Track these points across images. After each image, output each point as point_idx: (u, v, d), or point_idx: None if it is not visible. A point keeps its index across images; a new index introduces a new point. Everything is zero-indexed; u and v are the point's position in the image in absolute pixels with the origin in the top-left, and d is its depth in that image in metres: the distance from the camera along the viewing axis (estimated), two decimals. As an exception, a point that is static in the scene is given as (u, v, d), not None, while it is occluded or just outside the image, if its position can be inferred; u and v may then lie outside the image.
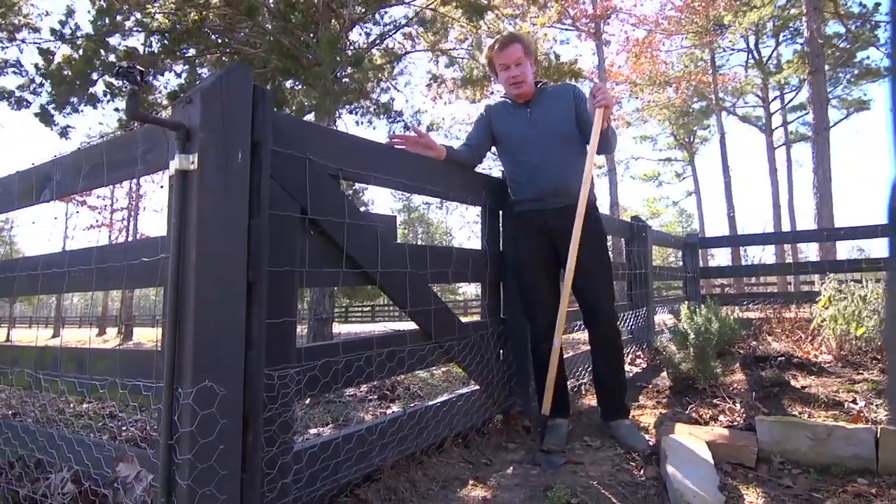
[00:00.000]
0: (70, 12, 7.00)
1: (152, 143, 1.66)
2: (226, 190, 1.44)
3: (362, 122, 9.36)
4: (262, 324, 1.51)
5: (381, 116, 9.37)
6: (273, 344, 1.57)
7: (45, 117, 7.04)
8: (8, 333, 24.29)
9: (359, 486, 1.89)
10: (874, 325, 3.74)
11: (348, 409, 3.16)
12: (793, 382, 3.08)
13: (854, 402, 2.71)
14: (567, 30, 18.03)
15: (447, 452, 2.26)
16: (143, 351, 1.73)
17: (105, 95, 7.11)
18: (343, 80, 7.01)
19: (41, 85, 6.95)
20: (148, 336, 19.59)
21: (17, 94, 7.11)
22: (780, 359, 3.49)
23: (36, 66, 6.92)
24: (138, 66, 1.35)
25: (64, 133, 7.34)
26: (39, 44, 6.87)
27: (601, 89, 2.36)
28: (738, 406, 2.72)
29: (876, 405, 2.64)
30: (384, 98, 9.39)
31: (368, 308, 26.60)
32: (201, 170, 1.41)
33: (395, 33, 8.77)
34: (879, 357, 3.55)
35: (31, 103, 7.06)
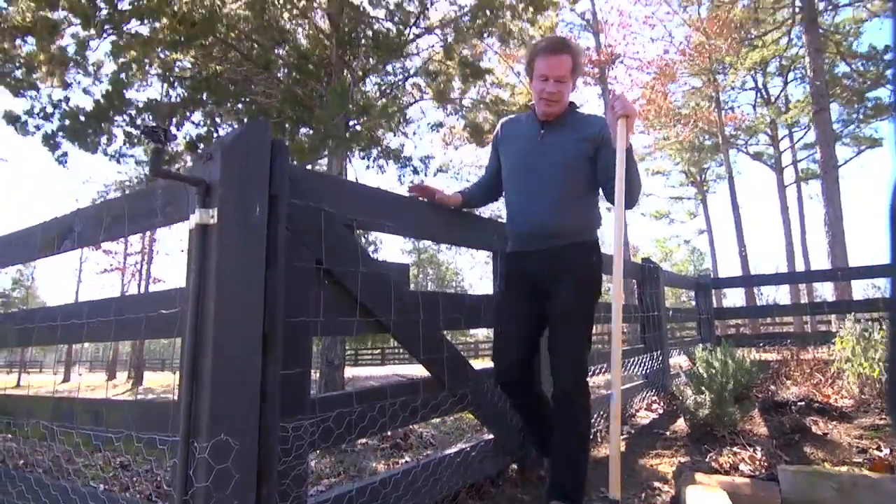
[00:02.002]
0: (99, 65, 7.32)
1: (172, 196, 1.71)
2: (244, 243, 1.47)
3: (372, 167, 9.54)
4: (277, 376, 1.52)
5: (390, 161, 9.55)
6: (287, 395, 1.57)
7: (50, 143, 7.11)
8: (18, 378, 24.32)
9: (373, 541, 1.85)
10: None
11: (360, 459, 3.12)
12: (814, 428, 3.01)
13: (878, 448, 2.64)
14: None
15: (462, 504, 2.22)
16: (158, 403, 1.74)
17: (124, 144, 7.32)
18: (354, 128, 7.18)
19: (51, 114, 7.08)
20: (157, 381, 19.53)
21: (24, 118, 7.24)
22: (799, 403, 3.42)
23: (53, 103, 7.10)
24: (163, 126, 1.40)
25: (62, 160, 7.39)
26: (66, 94, 7.15)
27: (619, 98, 2.07)
28: (758, 454, 2.65)
29: (902, 452, 2.56)
30: (394, 144, 9.60)
31: (378, 351, 26.41)
32: (221, 224, 1.44)
33: (403, 83, 9.01)
34: (902, 401, 3.46)
35: (39, 129, 7.18)
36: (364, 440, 3.62)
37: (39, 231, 2.27)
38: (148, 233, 23.44)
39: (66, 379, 26.61)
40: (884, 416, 3.20)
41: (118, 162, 7.48)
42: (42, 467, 3.06)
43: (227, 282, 1.42)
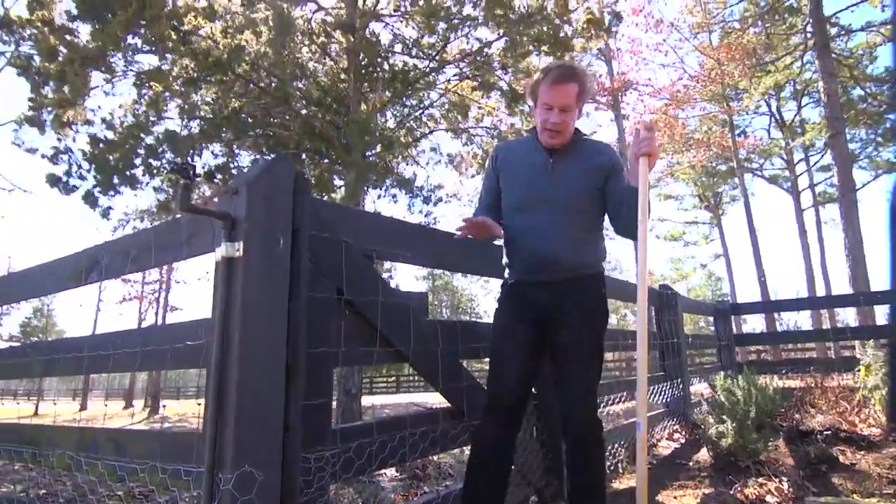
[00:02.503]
0: (121, 105, 7.62)
1: (197, 229, 1.75)
2: (268, 275, 1.50)
3: (384, 196, 9.68)
4: (300, 407, 1.53)
5: (402, 190, 9.67)
6: (309, 426, 1.58)
7: (89, 200, 7.49)
8: (36, 407, 24.50)
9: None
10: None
11: (379, 491, 3.09)
12: (841, 458, 2.94)
13: (910, 480, 2.57)
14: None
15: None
16: (183, 433, 1.76)
17: (144, 175, 7.53)
18: (370, 159, 7.30)
19: (88, 171, 7.41)
20: (173, 409, 19.56)
21: (65, 179, 7.59)
22: (826, 432, 3.34)
23: (83, 152, 7.42)
24: (191, 163, 1.45)
25: (105, 214, 7.77)
26: (91, 133, 7.43)
27: (647, 138, 1.93)
28: (785, 485, 2.59)
29: (934, 484, 2.49)
30: (407, 174, 9.73)
31: (393, 379, 26.28)
32: (246, 257, 1.48)
33: (420, 114, 9.17)
34: (933, 430, 3.38)
35: (77, 188, 7.52)
36: (383, 471, 3.59)
37: (68, 263, 2.32)
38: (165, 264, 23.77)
39: (84, 407, 26.75)
40: (914, 446, 3.12)
41: (135, 190, 7.73)
42: (64, 497, 3.08)
43: (252, 313, 1.45)
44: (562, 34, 7.48)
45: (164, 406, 20.96)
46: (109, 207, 7.68)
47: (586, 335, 2.02)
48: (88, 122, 7.50)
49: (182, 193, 1.48)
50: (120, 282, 23.18)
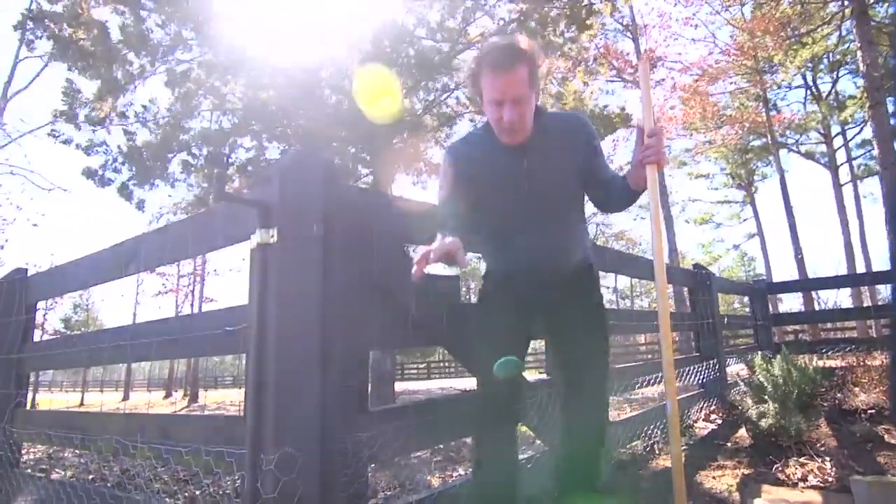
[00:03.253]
0: (152, 100, 7.80)
1: (231, 218, 1.78)
2: (302, 261, 1.52)
3: (418, 183, 9.70)
4: (337, 389, 1.56)
5: (432, 176, 9.67)
6: (347, 408, 1.61)
7: (124, 192, 7.70)
8: (82, 398, 25.44)
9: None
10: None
11: (415, 473, 3.13)
12: (887, 437, 2.86)
13: (961, 459, 2.49)
14: (612, 80, 18.25)
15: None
16: (225, 417, 1.80)
17: (182, 172, 7.70)
18: (398, 145, 7.32)
19: (123, 163, 7.62)
20: (211, 398, 20.09)
21: (101, 172, 7.81)
22: (870, 411, 3.26)
23: (119, 147, 7.63)
24: (224, 152, 1.47)
25: (140, 206, 7.99)
26: (125, 126, 7.63)
27: (654, 145, 1.69)
28: (828, 465, 2.54)
29: None
30: (436, 159, 9.73)
31: (424, 365, 26.51)
32: (280, 243, 1.50)
33: (445, 98, 9.14)
34: (984, 408, 3.26)
35: (113, 181, 7.74)
36: (419, 454, 3.64)
37: (108, 256, 2.39)
38: (199, 256, 24.30)
39: (126, 397, 27.67)
40: (964, 425, 3.02)
41: (172, 186, 7.92)
42: (111, 481, 3.20)
43: (288, 298, 1.47)
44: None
45: (206, 393, 21.55)
46: (143, 200, 7.88)
47: (597, 332, 1.92)
48: (123, 116, 7.67)
49: (217, 183, 1.51)
50: (156, 276, 23.83)
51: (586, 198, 1.96)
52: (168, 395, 26.05)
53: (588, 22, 7.58)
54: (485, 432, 1.83)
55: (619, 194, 1.81)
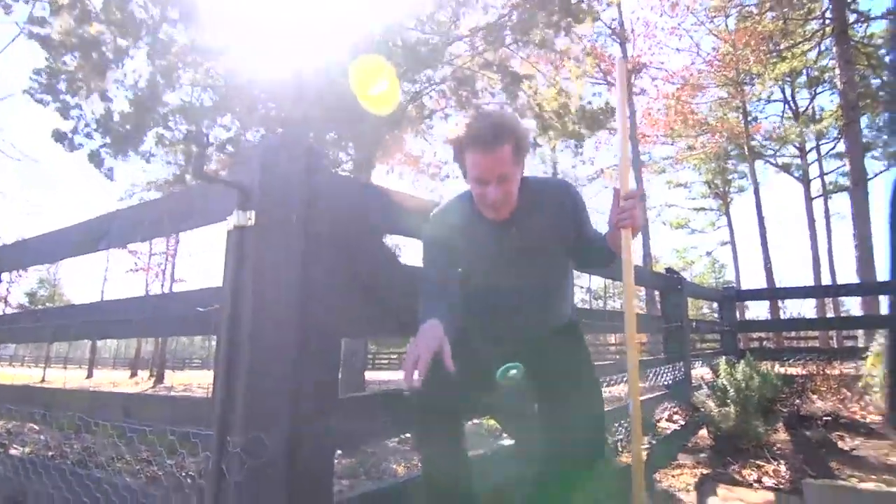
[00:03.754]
0: (134, 70, 7.63)
1: (208, 198, 1.76)
2: (280, 245, 1.52)
3: (391, 173, 9.68)
4: (309, 376, 1.56)
5: (408, 167, 9.66)
6: (317, 396, 1.61)
7: (95, 159, 7.48)
8: (44, 374, 24.87)
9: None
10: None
11: (381, 461, 3.15)
12: (840, 444, 2.97)
13: (908, 467, 2.60)
14: (598, 83, 18.42)
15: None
16: (192, 399, 1.79)
17: (157, 146, 7.52)
18: (382, 135, 7.29)
19: (96, 130, 7.41)
20: (178, 380, 19.82)
21: (71, 136, 7.59)
22: (826, 418, 3.38)
23: (93, 114, 7.41)
24: (205, 131, 1.46)
25: (110, 175, 7.78)
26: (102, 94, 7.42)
27: (628, 208, 1.64)
28: (783, 468, 2.63)
29: (932, 472, 2.52)
30: (415, 151, 9.72)
31: (396, 356, 26.51)
32: (258, 226, 1.49)
33: (430, 91, 9.12)
34: (933, 420, 3.40)
35: (83, 146, 7.51)
36: (387, 442, 3.65)
37: (80, 230, 2.34)
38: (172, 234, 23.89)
39: (90, 375, 27.14)
40: (913, 435, 3.15)
41: (147, 161, 7.73)
42: (70, 458, 3.15)
43: (263, 283, 1.46)
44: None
45: (173, 374, 21.25)
46: (112, 168, 7.69)
47: (583, 368, 1.86)
48: (103, 93, 7.48)
49: (196, 161, 1.49)
50: (126, 253, 23.37)
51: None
52: (134, 375, 25.63)
53: (580, 16, 7.61)
54: (426, 431, 1.75)
55: (598, 255, 1.79)
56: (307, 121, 7.74)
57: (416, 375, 1.44)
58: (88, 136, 7.51)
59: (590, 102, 10.01)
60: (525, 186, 1.73)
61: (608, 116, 9.48)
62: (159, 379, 20.24)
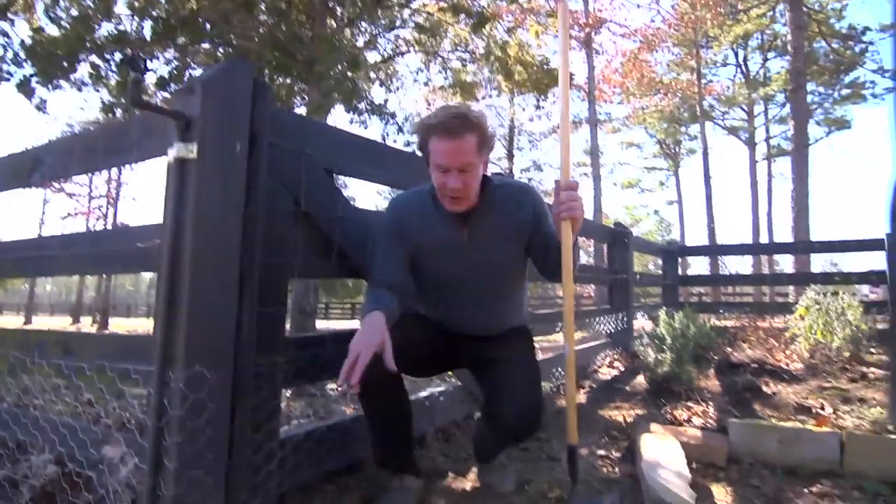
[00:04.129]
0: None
1: (149, 130, 1.68)
2: (223, 180, 1.47)
3: (356, 122, 9.38)
4: (253, 312, 1.54)
5: (374, 115, 9.40)
6: (263, 333, 1.60)
7: (25, 89, 6.99)
8: (-22, 319, 23.79)
9: (341, 475, 1.92)
10: (846, 336, 3.87)
11: (330, 403, 3.19)
12: (764, 388, 3.18)
13: (822, 408, 2.81)
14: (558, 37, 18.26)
15: (429, 447, 2.31)
16: (133, 336, 1.75)
17: (90, 78, 7.05)
18: (336, 78, 7.03)
19: (25, 59, 6.89)
20: (123, 326, 19.33)
21: (3, 66, 7.06)
22: (753, 365, 3.59)
23: (22, 42, 6.88)
24: (142, 55, 1.37)
25: (42, 107, 7.31)
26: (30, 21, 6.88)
27: (568, 198, 1.62)
28: (711, 409, 2.80)
29: (842, 411, 2.74)
30: (378, 98, 9.45)
31: (349, 306, 26.54)
32: (200, 159, 1.43)
33: (388, 34, 8.82)
34: (849, 367, 3.67)
35: (12, 75, 7.01)
36: (335, 385, 3.69)
37: (9, 162, 2.20)
38: (114, 177, 22.80)
39: (28, 322, 26.13)
40: (829, 380, 3.39)
41: (79, 90, 7.26)
42: (7, 400, 3.05)
43: (205, 217, 1.42)
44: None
45: (118, 321, 20.67)
46: (45, 100, 7.22)
47: (523, 347, 1.92)
48: (30, 8, 6.90)
49: (132, 87, 1.41)
50: (65, 196, 22.25)
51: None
52: (76, 321, 24.83)
53: None
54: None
55: (555, 257, 1.72)
56: (258, 58, 7.39)
57: (354, 377, 1.42)
58: (18, 63, 6.96)
59: (550, 61, 9.95)
60: (486, 186, 1.77)
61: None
62: (103, 325, 19.71)
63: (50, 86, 6.85)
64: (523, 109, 20.61)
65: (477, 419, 2.14)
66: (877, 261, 5.65)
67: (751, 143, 24.33)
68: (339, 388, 1.46)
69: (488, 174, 1.81)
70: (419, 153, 1.78)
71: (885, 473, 2.05)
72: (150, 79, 7.82)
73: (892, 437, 2.32)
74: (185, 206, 1.43)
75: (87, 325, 22.29)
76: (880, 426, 2.51)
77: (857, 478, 2.06)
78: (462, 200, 1.70)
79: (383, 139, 9.79)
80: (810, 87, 19.27)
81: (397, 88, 10.31)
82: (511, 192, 1.83)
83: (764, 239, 22.79)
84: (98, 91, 7.61)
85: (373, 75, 9.43)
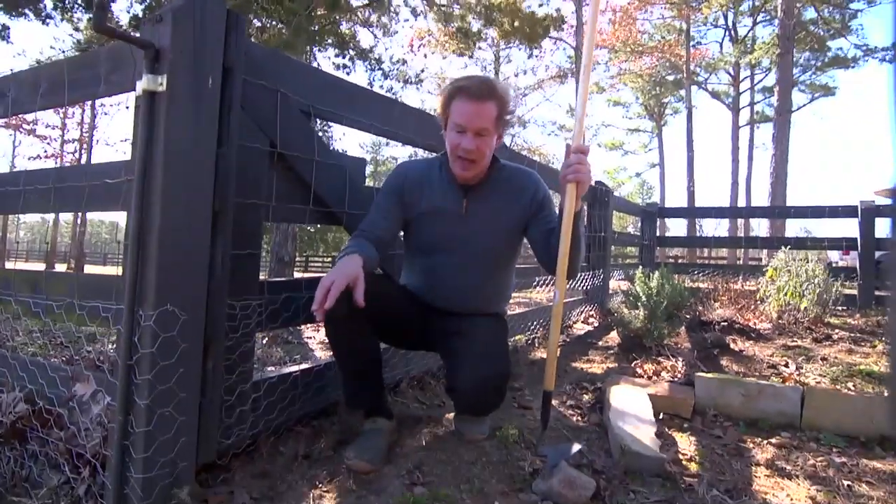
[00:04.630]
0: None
1: (118, 62, 1.61)
2: (195, 114, 1.42)
3: (342, 67, 9.07)
4: (227, 254, 1.52)
5: (360, 61, 9.11)
6: (236, 275, 1.58)
7: None
8: (-52, 264, 23.25)
9: (316, 419, 1.94)
10: (814, 298, 3.97)
11: (308, 351, 3.20)
12: (732, 346, 3.26)
13: (786, 365, 2.90)
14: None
15: (403, 394, 2.34)
16: (103, 275, 1.72)
17: (56, 10, 6.70)
18: (317, 20, 6.77)
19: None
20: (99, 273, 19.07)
21: None
22: (722, 324, 3.68)
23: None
24: (106, -23, 1.30)
25: (4, 35, 6.96)
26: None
27: (577, 161, 1.64)
28: (680, 364, 2.87)
29: (805, 369, 2.83)
30: (365, 43, 9.14)
31: (329, 259, 26.47)
32: (170, 92, 1.38)
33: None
34: (813, 327, 3.78)
35: None
36: (312, 333, 3.71)
37: (-32, 92, 2.10)
38: (87, 120, 22.07)
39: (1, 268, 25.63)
40: (795, 339, 3.50)
41: (44, 24, 6.92)
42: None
43: (176, 152, 1.37)
44: None
45: (93, 269, 20.35)
46: (8, 28, 6.88)
47: (490, 324, 1.91)
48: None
49: (97, 12, 1.33)
50: (36, 139, 21.53)
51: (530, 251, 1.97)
52: (50, 268, 24.41)
53: None
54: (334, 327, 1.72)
55: (555, 246, 1.71)
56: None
57: (327, 303, 1.46)
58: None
59: (541, 5, 9.70)
60: (495, 165, 1.88)
61: (554, 24, 9.23)
62: (78, 272, 19.41)
63: (13, 13, 6.51)
64: (509, 61, 20.23)
65: None
66: (849, 229, 5.76)
67: (735, 108, 24.34)
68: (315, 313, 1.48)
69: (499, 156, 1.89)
70: (438, 114, 1.83)
71: (841, 427, 2.14)
72: (123, 18, 7.49)
73: (850, 392, 2.41)
74: (155, 142, 1.38)
75: (62, 271, 21.95)
76: (840, 383, 2.61)
77: (815, 430, 2.15)
78: (472, 165, 1.76)
79: (370, 85, 9.58)
80: (796, 53, 19.20)
81: (384, 34, 9.96)
82: (516, 174, 1.92)
83: (742, 204, 23.11)
84: (64, 23, 7.26)
85: (355, 17, 9.08)
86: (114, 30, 1.37)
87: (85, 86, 1.75)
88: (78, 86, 1.76)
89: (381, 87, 9.48)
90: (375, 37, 9.63)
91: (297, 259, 24.83)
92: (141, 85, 1.40)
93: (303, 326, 3.83)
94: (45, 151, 21.59)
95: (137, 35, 1.44)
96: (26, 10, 6.52)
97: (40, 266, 26.60)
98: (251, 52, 1.64)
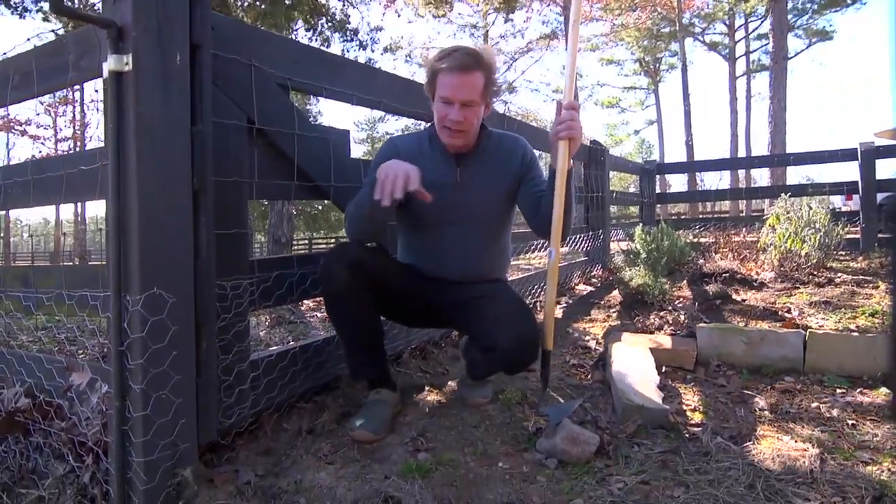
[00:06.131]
0: None
1: (85, 48, 1.57)
2: (164, 93, 1.38)
3: (316, 39, 8.88)
4: (211, 233, 1.49)
5: (336, 33, 8.91)
6: (224, 255, 1.56)
7: None
8: (-46, 270, 23.40)
9: (318, 393, 1.95)
10: (815, 243, 3.93)
11: (309, 330, 3.21)
12: (734, 296, 3.25)
13: (788, 311, 2.89)
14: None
15: (405, 363, 2.34)
16: (90, 265, 1.70)
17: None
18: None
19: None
20: (104, 270, 19.14)
21: None
22: (724, 275, 3.66)
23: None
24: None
25: None
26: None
27: (569, 117, 1.64)
28: (682, 317, 2.86)
29: (808, 314, 2.81)
30: (339, 14, 8.91)
31: (334, 241, 26.48)
32: (137, 71, 1.34)
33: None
34: (816, 273, 3.76)
35: None
36: (313, 312, 3.71)
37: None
38: (78, 116, 21.90)
39: (6, 270, 25.75)
40: (798, 286, 3.48)
41: (21, 17, 6.79)
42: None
43: (148, 132, 1.34)
44: None
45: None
46: None
47: (504, 288, 1.95)
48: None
49: (53, -8, 1.29)
50: (28, 140, 21.44)
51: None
52: (53, 268, 24.55)
53: None
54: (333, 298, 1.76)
55: (545, 210, 1.74)
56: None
57: (395, 195, 1.54)
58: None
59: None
60: (483, 133, 1.89)
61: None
62: (82, 271, 19.52)
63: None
64: (492, 24, 19.91)
65: (464, 339, 2.14)
66: (850, 173, 5.68)
67: (731, 59, 23.94)
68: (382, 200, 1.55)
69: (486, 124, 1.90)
70: (426, 87, 1.82)
71: (844, 368, 2.13)
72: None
73: (853, 333, 2.40)
74: (126, 124, 1.35)
75: (66, 270, 22.03)
76: (843, 325, 2.59)
77: (818, 373, 2.14)
78: (460, 135, 1.77)
79: (344, 55, 9.40)
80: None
81: (360, 1, 9.72)
82: (504, 140, 1.94)
83: (742, 156, 22.89)
84: (38, 14, 7.11)
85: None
86: (73, 10, 1.34)
87: (55, 75, 1.71)
88: (48, 75, 1.72)
89: (357, 57, 9.30)
90: (353, 6, 9.38)
91: (301, 240, 24.88)
92: (107, 66, 1.36)
93: (304, 306, 3.83)
94: (40, 152, 21.50)
95: (99, 14, 1.40)
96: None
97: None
98: (220, 25, 1.59)
